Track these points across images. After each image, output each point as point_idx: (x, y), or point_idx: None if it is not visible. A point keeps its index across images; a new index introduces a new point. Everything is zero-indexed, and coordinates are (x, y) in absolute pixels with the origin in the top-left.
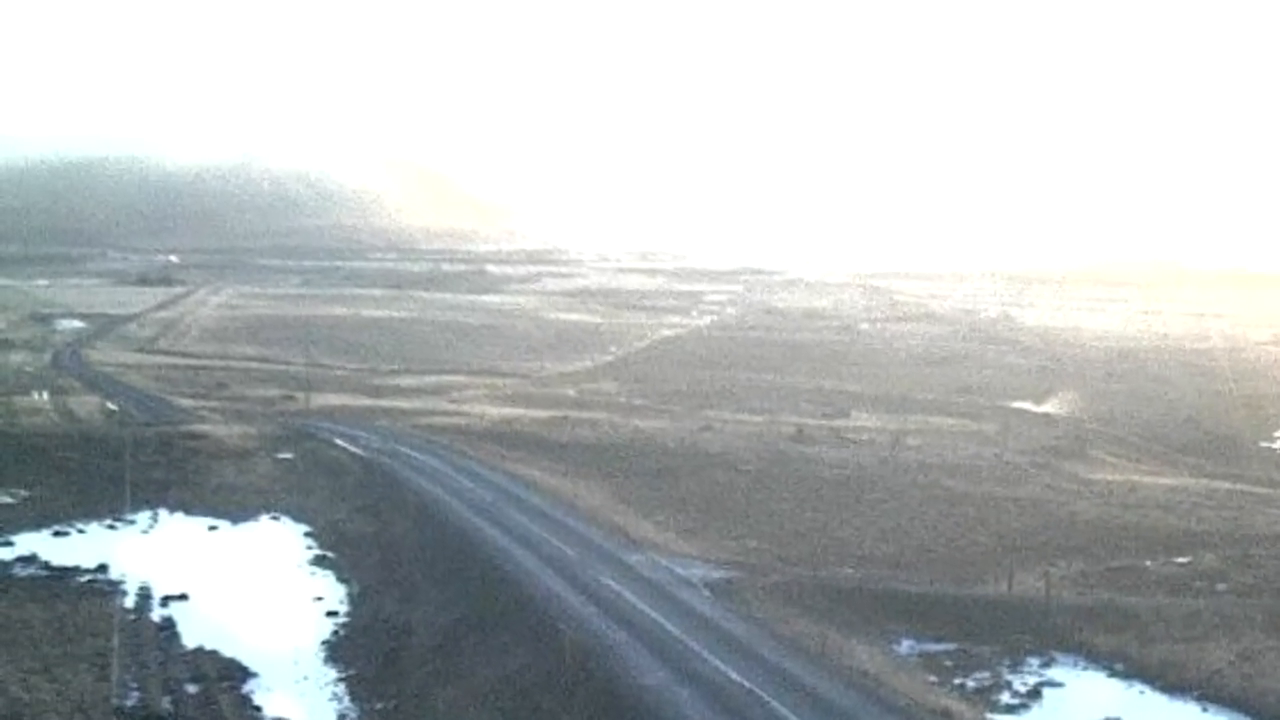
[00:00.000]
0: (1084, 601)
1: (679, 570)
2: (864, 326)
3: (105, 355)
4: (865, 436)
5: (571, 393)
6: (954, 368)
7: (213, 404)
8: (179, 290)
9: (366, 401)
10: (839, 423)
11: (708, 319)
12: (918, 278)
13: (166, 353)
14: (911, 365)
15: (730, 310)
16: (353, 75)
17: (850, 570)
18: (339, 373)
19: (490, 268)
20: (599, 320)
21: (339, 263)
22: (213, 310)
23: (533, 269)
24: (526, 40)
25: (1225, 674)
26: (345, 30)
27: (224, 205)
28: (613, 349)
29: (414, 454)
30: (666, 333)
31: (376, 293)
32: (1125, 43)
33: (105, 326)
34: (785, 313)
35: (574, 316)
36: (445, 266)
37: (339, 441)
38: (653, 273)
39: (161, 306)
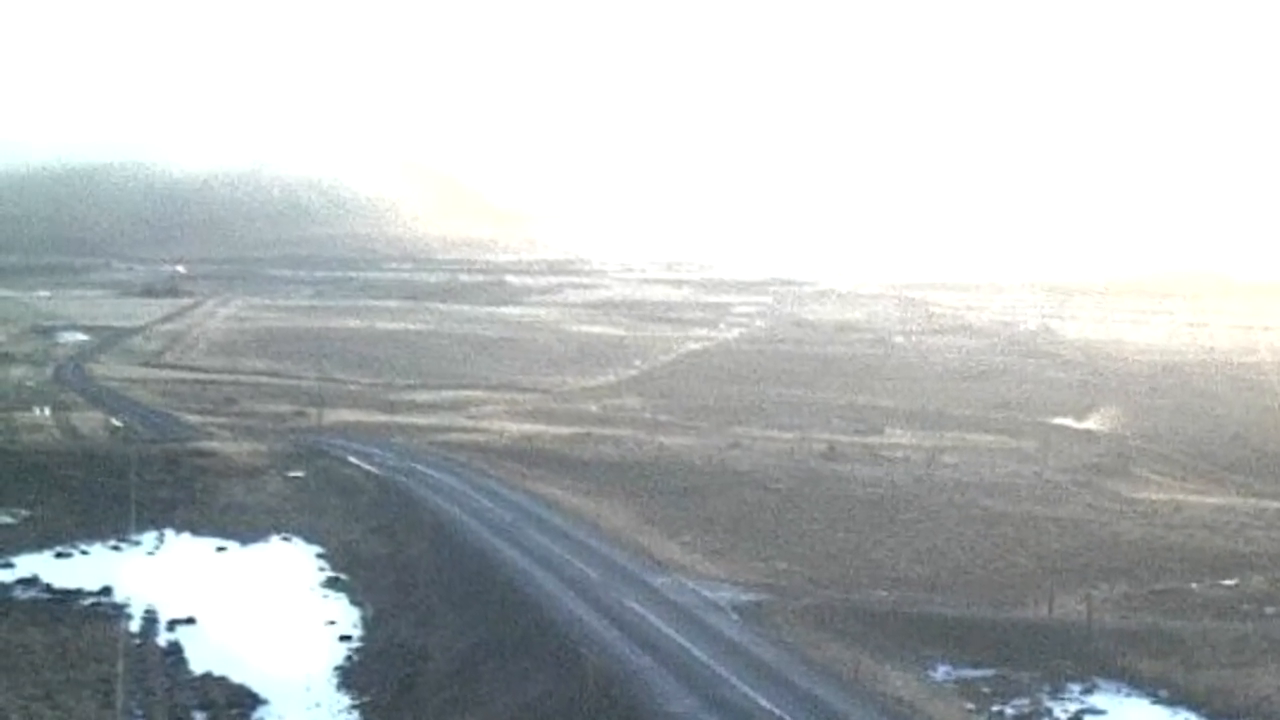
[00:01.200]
0: (1127, 625)
1: (706, 593)
2: (898, 339)
3: (109, 369)
4: (900, 454)
5: (594, 408)
6: (992, 382)
7: (221, 420)
8: (186, 302)
9: (381, 417)
10: (872, 440)
11: (736, 331)
12: (954, 289)
13: (173, 367)
14: (948, 380)
15: (759, 322)
16: (367, 79)
17: (884, 593)
18: (352, 388)
19: (510, 278)
20: (623, 333)
21: (352, 273)
22: (221, 322)
23: (554, 280)
24: (548, 44)
25: (1274, 700)
26: (359, 33)
27: (233, 213)
28: (637, 363)
29: (431, 472)
30: (693, 346)
31: (392, 304)
32: (1178, 45)
33: (109, 339)
34: (816, 325)
35: (597, 329)
36: (463, 277)
37: (352, 459)
38: (678, 283)
39: (168, 319)
